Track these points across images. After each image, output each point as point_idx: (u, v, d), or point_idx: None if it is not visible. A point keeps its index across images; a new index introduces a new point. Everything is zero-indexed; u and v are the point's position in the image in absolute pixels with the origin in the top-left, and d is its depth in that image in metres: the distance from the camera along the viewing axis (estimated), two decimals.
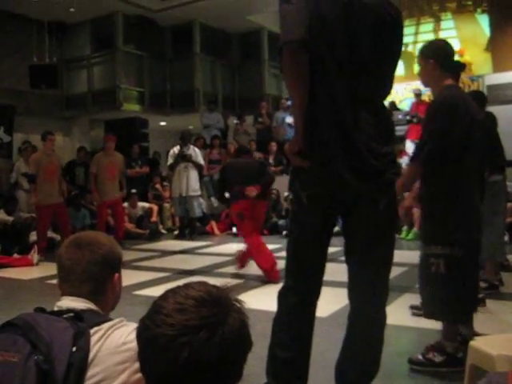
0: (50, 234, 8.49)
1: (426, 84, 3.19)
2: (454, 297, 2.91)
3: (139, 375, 1.34)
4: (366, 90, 2.15)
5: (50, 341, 1.32)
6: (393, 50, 2.23)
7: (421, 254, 3.05)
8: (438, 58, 2.99)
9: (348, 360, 2.34)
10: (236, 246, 7.06)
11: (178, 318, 0.97)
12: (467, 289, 2.97)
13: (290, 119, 10.78)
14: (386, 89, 2.27)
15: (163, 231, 10.76)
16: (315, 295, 2.32)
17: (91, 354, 1.35)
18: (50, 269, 7.07)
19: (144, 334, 1.02)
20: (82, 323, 1.40)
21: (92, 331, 1.39)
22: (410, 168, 3.01)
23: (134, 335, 1.37)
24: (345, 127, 2.11)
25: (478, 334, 3.15)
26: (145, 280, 5.86)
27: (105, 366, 1.36)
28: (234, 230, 10.08)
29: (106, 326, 1.43)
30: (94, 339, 1.38)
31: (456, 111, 2.87)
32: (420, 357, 3.08)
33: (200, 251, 8.27)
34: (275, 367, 2.33)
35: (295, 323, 2.29)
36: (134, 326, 1.45)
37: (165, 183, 11.53)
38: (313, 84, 2.10)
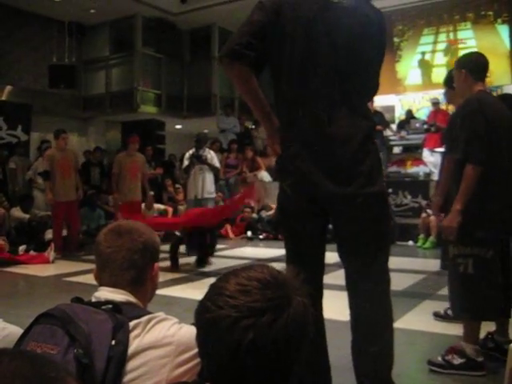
0: (65, 232, 8.45)
1: (460, 94, 3.25)
2: (481, 295, 2.92)
3: (181, 370, 1.33)
4: (343, 92, 2.16)
5: (89, 333, 1.28)
6: (371, 53, 2.23)
7: (450, 255, 3.08)
8: (468, 67, 3.14)
9: (356, 352, 2.26)
10: (250, 250, 7.06)
11: (243, 300, 0.94)
12: (495, 288, 2.96)
13: None
14: (367, 90, 2.29)
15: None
16: (319, 293, 2.28)
17: (131, 348, 1.31)
18: (66, 266, 7.11)
19: (205, 316, 0.98)
20: (120, 316, 1.35)
21: (131, 324, 1.34)
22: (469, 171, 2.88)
23: (175, 329, 1.37)
24: (318, 127, 2.16)
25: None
26: (162, 280, 5.83)
27: (145, 360, 1.32)
28: (249, 233, 10.09)
29: (145, 319, 1.38)
30: (133, 333, 1.33)
31: (484, 114, 2.92)
32: (439, 358, 3.07)
33: (215, 254, 8.25)
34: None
35: None
36: (174, 320, 1.42)
37: (177, 185, 11.51)
38: (281, 84, 2.29)
